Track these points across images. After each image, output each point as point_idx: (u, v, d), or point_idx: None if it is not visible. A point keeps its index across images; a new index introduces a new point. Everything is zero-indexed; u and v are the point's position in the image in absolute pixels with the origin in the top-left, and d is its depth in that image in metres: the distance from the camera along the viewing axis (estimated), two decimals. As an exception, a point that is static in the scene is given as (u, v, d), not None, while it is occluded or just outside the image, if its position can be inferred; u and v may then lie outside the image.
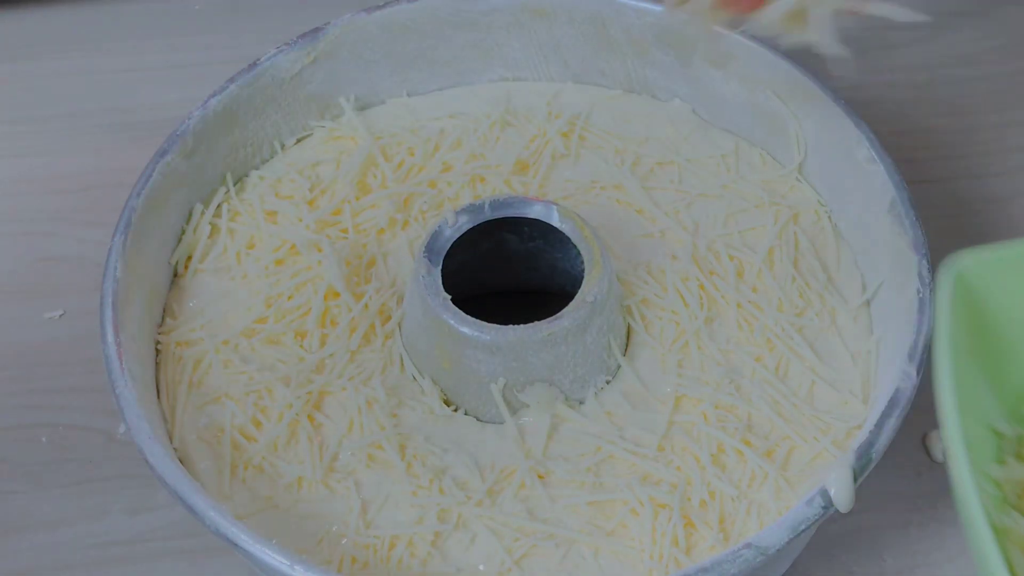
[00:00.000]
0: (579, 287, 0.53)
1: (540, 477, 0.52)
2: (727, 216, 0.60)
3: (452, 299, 0.53)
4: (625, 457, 0.52)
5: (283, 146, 0.64)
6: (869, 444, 0.49)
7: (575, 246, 0.55)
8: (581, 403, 0.54)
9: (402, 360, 0.56)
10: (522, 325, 0.52)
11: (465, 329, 0.52)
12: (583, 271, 0.54)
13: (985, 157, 0.71)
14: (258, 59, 0.62)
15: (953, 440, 0.40)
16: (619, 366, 0.55)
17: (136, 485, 0.59)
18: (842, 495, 0.48)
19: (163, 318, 0.58)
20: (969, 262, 0.42)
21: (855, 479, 0.48)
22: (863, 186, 0.57)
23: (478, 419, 0.55)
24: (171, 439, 0.53)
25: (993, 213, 0.69)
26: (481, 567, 0.50)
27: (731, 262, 0.58)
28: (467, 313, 0.53)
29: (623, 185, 0.61)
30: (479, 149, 0.62)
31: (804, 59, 0.61)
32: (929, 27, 0.78)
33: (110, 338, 0.52)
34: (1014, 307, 0.43)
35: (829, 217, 0.60)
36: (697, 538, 0.50)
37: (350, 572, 0.50)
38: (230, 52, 0.71)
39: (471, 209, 0.56)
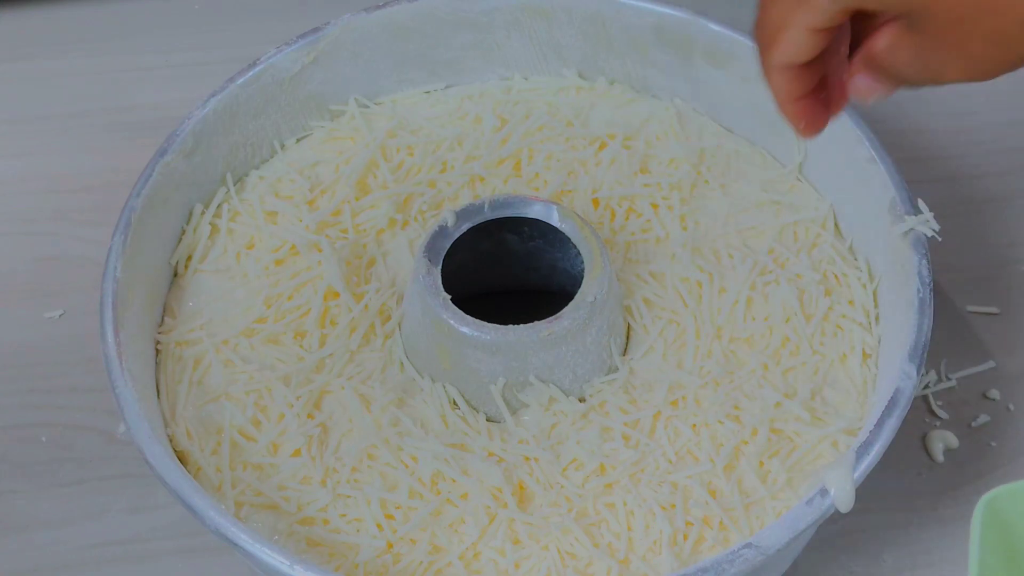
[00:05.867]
0: (579, 287, 0.53)
1: (539, 477, 0.52)
2: (727, 216, 0.60)
3: (452, 299, 0.53)
4: (625, 457, 0.52)
5: (283, 146, 0.64)
6: (869, 444, 0.49)
7: (575, 246, 0.55)
8: (581, 402, 0.54)
9: (402, 360, 0.56)
10: (522, 325, 0.52)
11: (465, 329, 0.52)
12: (583, 271, 0.54)
13: (985, 157, 0.71)
14: (258, 59, 0.62)
15: None
16: (618, 366, 0.55)
17: (136, 485, 0.59)
18: (842, 495, 0.48)
19: (163, 318, 0.58)
20: (1001, 494, 0.45)
21: (855, 479, 0.48)
22: (863, 186, 0.57)
23: (478, 419, 0.55)
24: (171, 439, 0.53)
25: (993, 213, 0.69)
26: (480, 567, 0.50)
27: (731, 261, 0.58)
28: (467, 313, 0.53)
29: (622, 184, 0.61)
30: (479, 149, 0.62)
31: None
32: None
33: (110, 338, 0.52)
34: None
35: (829, 217, 0.60)
36: (697, 538, 0.50)
37: (349, 571, 0.50)
38: (230, 52, 0.71)
39: (471, 209, 0.56)
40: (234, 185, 0.62)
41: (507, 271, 0.60)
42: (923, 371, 0.51)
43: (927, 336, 0.51)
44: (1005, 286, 0.66)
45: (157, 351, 0.57)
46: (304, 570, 0.46)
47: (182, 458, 0.52)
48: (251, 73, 0.61)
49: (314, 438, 0.53)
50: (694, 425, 0.53)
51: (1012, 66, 0.43)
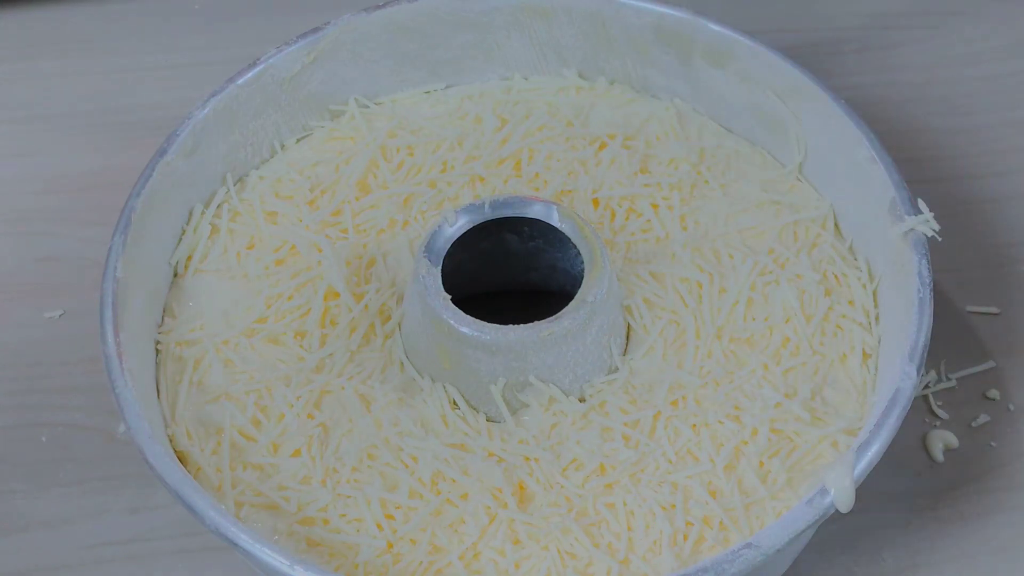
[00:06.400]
0: (579, 287, 0.53)
1: (539, 477, 0.52)
2: (727, 216, 0.60)
3: (452, 299, 0.53)
4: (625, 457, 0.52)
5: (283, 146, 0.64)
6: (869, 444, 0.49)
7: (575, 246, 0.55)
8: (581, 403, 0.54)
9: (402, 360, 0.56)
10: (522, 325, 0.52)
11: (465, 329, 0.52)
12: (583, 271, 0.54)
13: (985, 157, 0.71)
14: (258, 59, 0.62)
15: None
16: (619, 366, 0.55)
17: (136, 485, 0.59)
18: (842, 495, 0.48)
19: (163, 318, 0.58)
20: None
21: (855, 479, 0.48)
22: (863, 186, 0.57)
23: (478, 419, 0.55)
24: (171, 439, 0.53)
25: (993, 213, 0.69)
26: (480, 567, 0.50)
27: (731, 261, 0.58)
28: (467, 313, 0.53)
29: (622, 184, 0.61)
30: (479, 149, 0.62)
31: (804, 59, 0.61)
32: (929, 27, 0.78)
33: (110, 338, 0.52)
34: None
35: (829, 217, 0.60)
36: (697, 538, 0.50)
37: (349, 571, 0.50)
38: (230, 52, 0.71)
39: (471, 209, 0.56)
40: (234, 185, 0.62)
41: (507, 271, 0.60)
42: (923, 371, 0.51)
43: (927, 336, 0.51)
44: (1005, 286, 0.66)
45: (157, 351, 0.57)
46: (304, 570, 0.46)
47: (182, 458, 0.53)
48: (251, 73, 0.61)
49: (314, 438, 0.53)
50: (694, 425, 0.53)
51: None
